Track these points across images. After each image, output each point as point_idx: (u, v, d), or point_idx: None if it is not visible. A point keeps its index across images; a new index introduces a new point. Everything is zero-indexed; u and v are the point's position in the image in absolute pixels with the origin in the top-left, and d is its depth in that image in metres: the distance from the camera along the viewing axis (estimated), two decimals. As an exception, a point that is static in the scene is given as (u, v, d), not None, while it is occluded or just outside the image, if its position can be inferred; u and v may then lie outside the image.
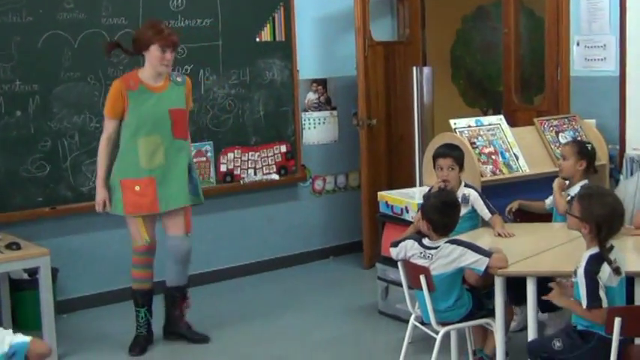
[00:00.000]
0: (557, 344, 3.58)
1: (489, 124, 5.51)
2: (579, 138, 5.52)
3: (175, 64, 5.85)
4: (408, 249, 4.14)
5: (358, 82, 6.50)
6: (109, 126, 4.81)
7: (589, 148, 4.97)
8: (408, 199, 5.23)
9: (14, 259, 4.74)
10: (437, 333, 4.07)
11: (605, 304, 3.46)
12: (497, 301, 3.99)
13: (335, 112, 6.88)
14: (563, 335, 3.63)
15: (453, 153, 4.77)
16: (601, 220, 3.51)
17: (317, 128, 6.81)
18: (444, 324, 4.09)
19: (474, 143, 5.32)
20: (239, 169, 6.32)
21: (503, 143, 5.43)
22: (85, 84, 5.57)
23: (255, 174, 6.39)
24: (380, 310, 5.45)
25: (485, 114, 7.80)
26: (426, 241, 4.10)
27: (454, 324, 4.13)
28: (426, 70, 6.55)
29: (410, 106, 6.49)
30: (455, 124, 5.39)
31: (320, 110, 6.81)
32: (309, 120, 6.76)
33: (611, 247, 3.55)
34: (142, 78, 4.78)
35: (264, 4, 6.33)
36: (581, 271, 3.50)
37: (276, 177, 6.48)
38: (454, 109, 7.72)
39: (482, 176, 5.16)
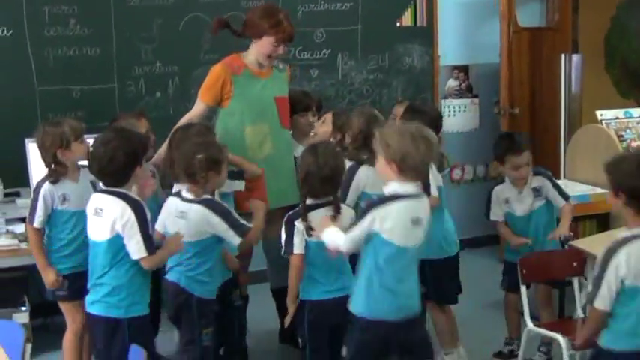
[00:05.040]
0: None
1: (640, 117, 5.21)
2: None
3: (314, 48, 5.91)
4: None
5: (501, 69, 6.32)
6: (197, 109, 4.47)
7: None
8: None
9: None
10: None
11: (297, 250, 3.62)
12: None
13: (476, 100, 6.69)
14: None
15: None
16: (304, 176, 3.63)
17: (457, 116, 6.64)
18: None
19: (622, 136, 5.08)
20: (375, 155, 6.24)
21: (654, 137, 5.12)
22: (224, 66, 5.61)
23: (392, 161, 6.28)
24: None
25: (640, 105, 7.41)
26: None
27: None
28: (575, 57, 6.26)
29: (556, 95, 6.23)
30: (601, 115, 5.15)
31: (461, 97, 6.64)
32: (449, 107, 6.60)
33: (313, 207, 3.62)
34: (246, 62, 4.43)
35: (406, -13, 6.20)
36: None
37: (412, 165, 6.35)
38: (606, 99, 7.34)
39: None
